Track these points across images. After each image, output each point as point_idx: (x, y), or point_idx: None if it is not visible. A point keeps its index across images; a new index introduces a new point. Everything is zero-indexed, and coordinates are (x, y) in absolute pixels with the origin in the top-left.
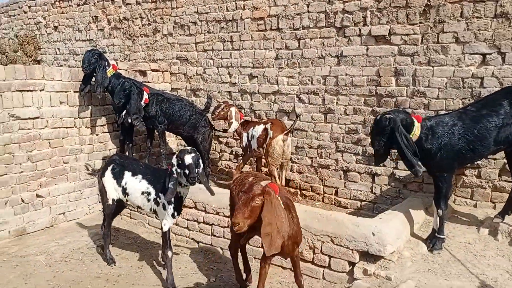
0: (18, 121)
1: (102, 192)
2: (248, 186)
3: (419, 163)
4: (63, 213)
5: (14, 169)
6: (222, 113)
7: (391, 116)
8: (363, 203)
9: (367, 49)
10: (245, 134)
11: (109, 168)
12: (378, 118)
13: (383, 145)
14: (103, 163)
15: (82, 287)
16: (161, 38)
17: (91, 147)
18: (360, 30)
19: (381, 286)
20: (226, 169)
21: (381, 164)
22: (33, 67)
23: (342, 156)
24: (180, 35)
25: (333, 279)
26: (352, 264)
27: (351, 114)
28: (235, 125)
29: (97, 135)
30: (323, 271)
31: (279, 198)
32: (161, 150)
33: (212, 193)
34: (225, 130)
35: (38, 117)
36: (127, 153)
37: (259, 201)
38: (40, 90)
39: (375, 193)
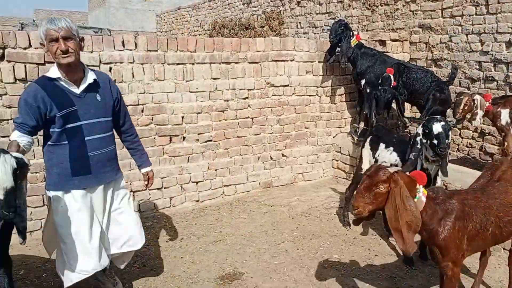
0: (272, 88)
1: (359, 160)
2: (374, 170)
3: None
4: (301, 173)
5: (266, 130)
6: (466, 108)
7: None
8: None
9: None
10: (504, 111)
11: (368, 140)
12: None
13: None
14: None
15: (321, 242)
16: (403, 6)
17: (329, 115)
18: None
19: None
20: (467, 148)
21: None
22: (286, 39)
23: None
24: (425, 1)
25: None
26: None
27: None
28: (480, 115)
29: (335, 103)
30: None
31: (425, 191)
32: (399, 122)
33: (445, 173)
34: (458, 122)
35: (287, 85)
36: (362, 123)
37: (383, 189)
38: (291, 60)
39: None
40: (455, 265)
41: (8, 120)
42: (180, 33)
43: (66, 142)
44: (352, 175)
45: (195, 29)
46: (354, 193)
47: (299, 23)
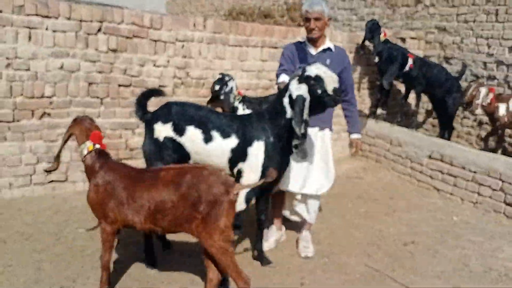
0: None
1: None
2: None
3: None
4: None
5: None
6: (474, 93)
7: None
8: None
9: None
10: (503, 106)
11: None
12: None
13: None
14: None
15: (347, 201)
16: (422, 8)
17: None
18: None
19: None
20: (466, 135)
21: None
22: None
23: None
24: (442, 6)
25: None
26: None
27: None
28: (479, 108)
29: (358, 90)
30: None
31: (91, 147)
32: (415, 108)
33: None
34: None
35: None
36: (379, 110)
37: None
38: None
39: None
40: (105, 225)
41: (98, 84)
42: (192, 16)
43: None
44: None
45: (209, 14)
46: None
47: None
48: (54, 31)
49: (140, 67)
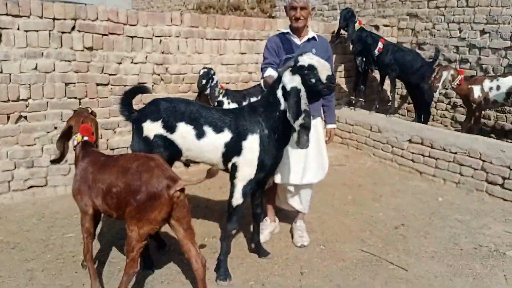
0: None
1: None
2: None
3: None
4: None
5: None
6: (437, 77)
7: None
8: None
9: None
10: (477, 88)
11: None
12: None
13: None
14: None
15: (334, 189)
16: None
17: None
18: None
19: None
20: (440, 118)
21: None
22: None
23: None
24: None
25: None
26: None
27: None
28: (439, 89)
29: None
30: None
31: (80, 139)
32: (390, 94)
33: None
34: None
35: None
36: (356, 97)
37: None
38: None
39: None
40: (83, 213)
41: (75, 83)
42: (160, 11)
43: None
44: None
45: (177, 8)
46: None
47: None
48: (26, 30)
49: (118, 65)
